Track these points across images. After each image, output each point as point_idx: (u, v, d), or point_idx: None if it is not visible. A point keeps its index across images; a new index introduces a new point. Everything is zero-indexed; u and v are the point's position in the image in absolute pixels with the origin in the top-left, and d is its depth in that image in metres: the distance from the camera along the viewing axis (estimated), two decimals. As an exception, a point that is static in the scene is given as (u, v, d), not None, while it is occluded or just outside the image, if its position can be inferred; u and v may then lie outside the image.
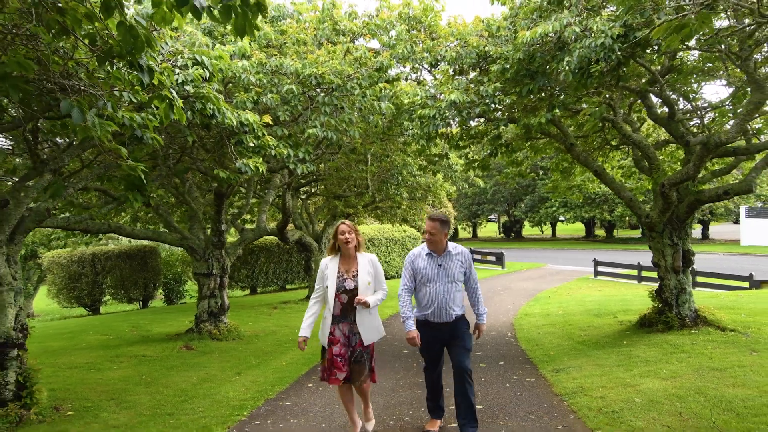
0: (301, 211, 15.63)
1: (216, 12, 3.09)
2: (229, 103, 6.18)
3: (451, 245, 4.34)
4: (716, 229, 42.45)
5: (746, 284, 14.83)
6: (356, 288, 4.16)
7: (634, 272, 18.26)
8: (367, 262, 4.29)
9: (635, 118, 9.27)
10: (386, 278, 21.47)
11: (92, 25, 3.51)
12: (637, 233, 43.26)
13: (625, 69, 6.27)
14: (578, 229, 51.28)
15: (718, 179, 8.43)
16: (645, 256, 22.04)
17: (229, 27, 4.41)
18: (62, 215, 6.78)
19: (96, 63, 3.86)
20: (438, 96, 7.37)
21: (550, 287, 16.86)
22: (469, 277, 4.40)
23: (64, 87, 3.75)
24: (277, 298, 16.13)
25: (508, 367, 6.68)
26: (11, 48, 3.09)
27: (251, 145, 6.06)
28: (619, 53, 5.62)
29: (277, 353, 8.18)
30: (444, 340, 4.37)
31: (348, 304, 4.19)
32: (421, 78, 9.30)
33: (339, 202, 14.19)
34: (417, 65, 8.18)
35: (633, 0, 5.57)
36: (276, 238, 14.53)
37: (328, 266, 4.25)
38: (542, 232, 52.22)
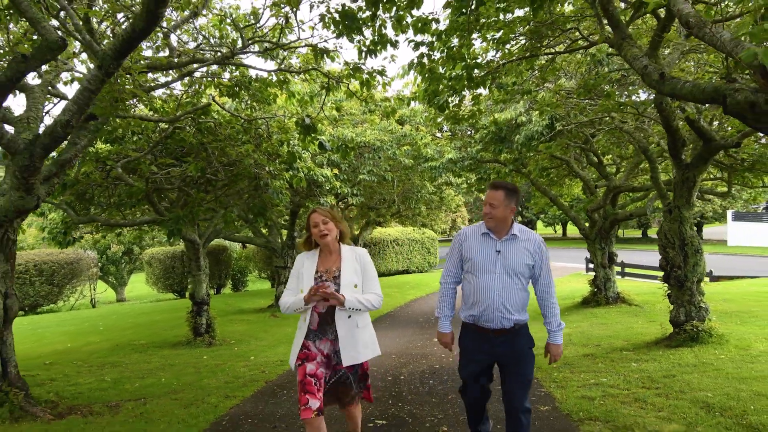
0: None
1: (333, 150, 7.12)
2: (312, 160, 10.26)
3: (518, 227, 3.29)
4: (713, 230, 45.49)
5: (706, 279, 18.36)
6: (338, 292, 3.30)
7: (618, 268, 21.77)
8: (353, 259, 3.43)
9: (584, 158, 13.05)
10: (405, 273, 24.90)
11: (270, 149, 7.58)
12: (639, 233, 46.44)
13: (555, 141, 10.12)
14: (590, 229, 54.40)
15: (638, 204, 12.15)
16: (641, 255, 25.05)
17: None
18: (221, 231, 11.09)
19: (265, 160, 7.94)
20: (441, 152, 11.37)
21: (544, 280, 20.45)
22: (540, 274, 3.30)
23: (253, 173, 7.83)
24: (322, 287, 20.27)
25: (485, 326, 10.63)
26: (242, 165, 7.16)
27: (327, 188, 10.14)
28: (545, 137, 9.48)
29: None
30: (496, 357, 3.32)
31: (328, 315, 3.35)
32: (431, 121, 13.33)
33: (371, 212, 18.21)
34: (429, 129, 12.20)
35: (554, 105, 9.45)
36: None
37: (305, 265, 3.42)
38: (555, 231, 55.63)
